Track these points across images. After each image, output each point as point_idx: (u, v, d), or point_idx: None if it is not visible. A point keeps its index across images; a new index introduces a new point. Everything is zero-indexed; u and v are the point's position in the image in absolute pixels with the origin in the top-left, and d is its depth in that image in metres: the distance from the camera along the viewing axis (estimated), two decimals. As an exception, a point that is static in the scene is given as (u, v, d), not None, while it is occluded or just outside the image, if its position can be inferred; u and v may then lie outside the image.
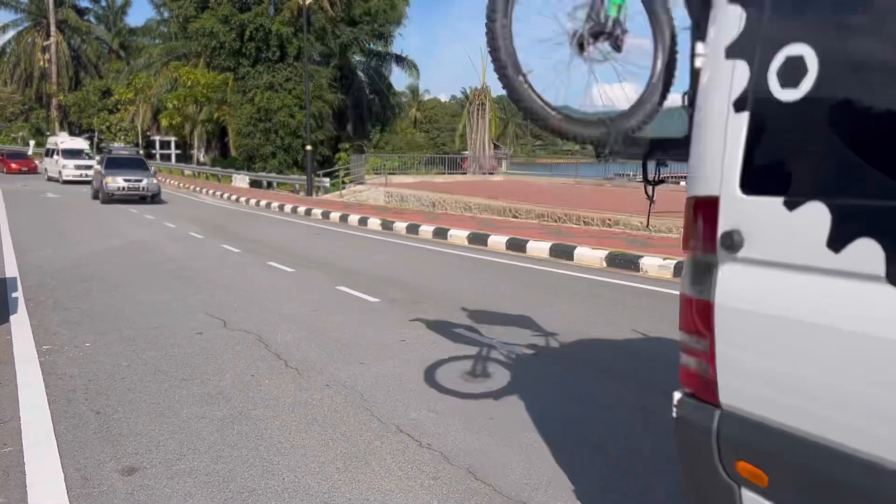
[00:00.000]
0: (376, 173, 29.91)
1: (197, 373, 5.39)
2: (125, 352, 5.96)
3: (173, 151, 48.79)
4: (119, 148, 27.86)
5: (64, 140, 37.73)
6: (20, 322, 6.98)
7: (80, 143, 38.19)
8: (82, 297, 8.24)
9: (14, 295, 8.25)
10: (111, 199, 23.06)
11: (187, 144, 47.47)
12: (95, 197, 24.45)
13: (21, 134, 59.66)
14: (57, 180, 34.35)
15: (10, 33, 60.65)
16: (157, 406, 4.67)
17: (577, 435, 4.24)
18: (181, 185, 35.14)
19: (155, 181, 24.21)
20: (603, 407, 4.71)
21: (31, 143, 55.82)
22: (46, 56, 57.95)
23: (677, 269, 9.80)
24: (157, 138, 49.25)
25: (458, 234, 14.27)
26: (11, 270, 10.04)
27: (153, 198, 24.07)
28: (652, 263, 10.23)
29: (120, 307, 7.73)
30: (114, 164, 24.19)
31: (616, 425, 4.39)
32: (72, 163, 34.27)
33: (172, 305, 7.86)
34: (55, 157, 35.88)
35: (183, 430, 4.27)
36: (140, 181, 23.47)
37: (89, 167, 32.31)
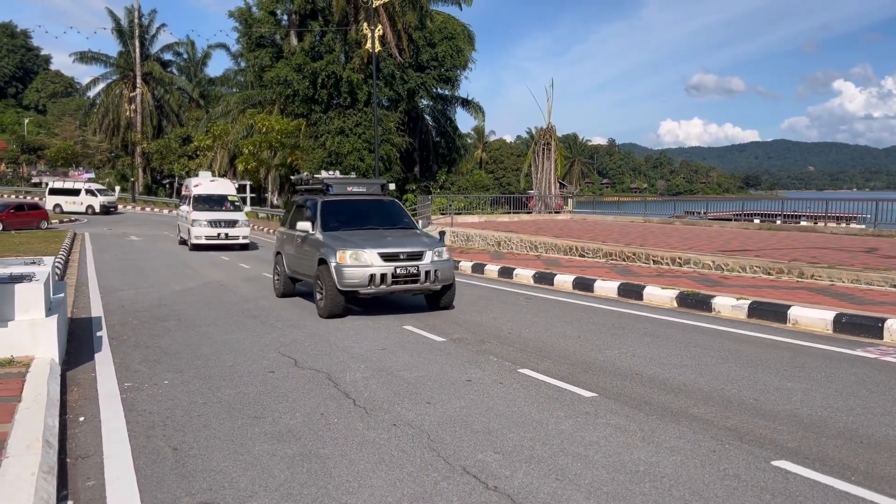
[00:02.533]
0: (442, 213, 30.23)
1: (269, 411, 5.53)
2: (201, 389, 6.17)
3: (248, 195, 50.57)
4: (339, 180, 12.59)
5: (199, 182, 25.22)
6: (104, 360, 7.32)
7: (224, 187, 25.77)
8: (162, 336, 8.59)
9: (98, 334, 8.67)
10: (354, 299, 10.46)
11: (262, 188, 49.13)
12: (287, 293, 12.08)
13: (108, 180, 62.99)
14: (187, 243, 23.00)
15: (101, 86, 64.67)
16: (231, 443, 4.80)
17: (646, 481, 4.13)
18: (256, 227, 36.27)
19: (444, 252, 10.65)
20: (672, 452, 4.58)
21: (117, 188, 58.80)
22: (132, 106, 61.33)
23: (751, 310, 9.50)
24: (234, 183, 51.16)
25: (524, 274, 14.23)
26: (97, 310, 10.56)
27: (441, 296, 10.61)
28: (725, 303, 9.95)
29: (197, 346, 8.02)
30: (341, 214, 11.33)
31: (686, 472, 4.26)
32: (204, 217, 22.46)
33: (246, 344, 8.10)
34: (185, 206, 24.42)
35: (255, 467, 4.37)
36: (418, 255, 10.23)
37: (233, 223, 22.73)
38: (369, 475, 4.23)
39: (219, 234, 22.28)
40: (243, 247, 22.68)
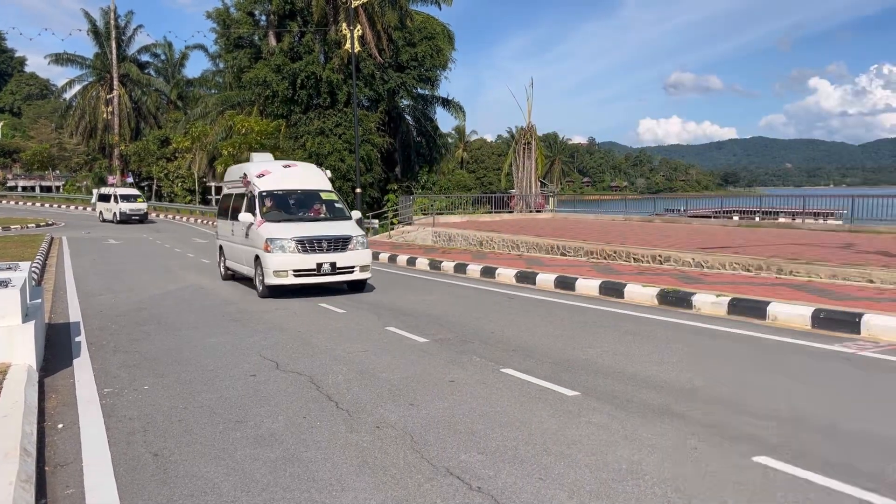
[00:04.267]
0: (424, 213, 30.21)
1: (250, 415, 5.49)
2: (182, 394, 6.11)
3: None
4: None
5: (265, 170, 13.74)
6: (83, 365, 7.23)
7: (311, 176, 14.35)
8: (142, 341, 8.50)
9: (77, 339, 8.56)
10: None
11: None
12: None
13: (85, 183, 62.25)
14: (255, 283, 12.77)
15: (77, 88, 63.83)
16: (213, 448, 4.76)
17: (628, 479, 4.15)
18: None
19: None
20: (654, 450, 4.61)
21: (95, 191, 58.16)
22: (109, 108, 60.56)
23: (731, 307, 9.59)
24: (212, 184, 50.73)
25: (506, 273, 14.25)
26: (75, 315, 10.43)
27: None
28: (705, 300, 10.03)
29: (177, 350, 7.94)
30: None
31: (668, 470, 4.29)
32: (290, 234, 12.17)
33: (228, 348, 8.04)
34: (246, 215, 12.91)
35: (237, 471, 4.34)
36: None
37: (342, 243, 12.43)
38: (352, 478, 4.21)
39: (319, 266, 12.17)
40: (355, 285, 12.88)
